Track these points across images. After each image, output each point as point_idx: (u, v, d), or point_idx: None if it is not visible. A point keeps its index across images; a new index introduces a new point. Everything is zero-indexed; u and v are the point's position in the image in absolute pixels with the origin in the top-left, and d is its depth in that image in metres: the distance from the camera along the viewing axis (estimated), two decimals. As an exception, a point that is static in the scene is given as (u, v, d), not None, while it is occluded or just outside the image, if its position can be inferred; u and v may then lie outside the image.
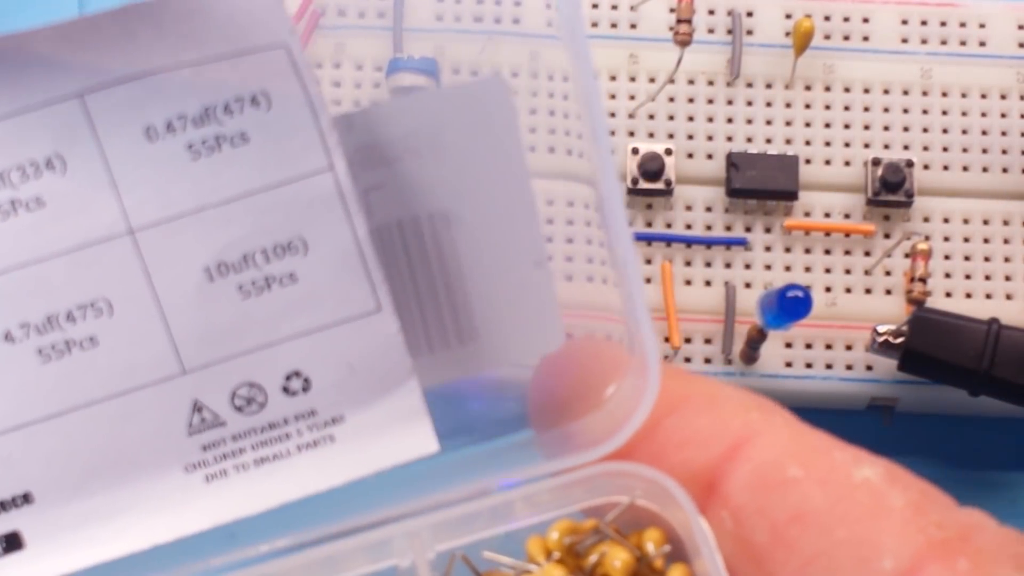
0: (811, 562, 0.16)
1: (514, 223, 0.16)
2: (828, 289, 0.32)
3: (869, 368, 0.32)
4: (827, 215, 0.33)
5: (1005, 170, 0.33)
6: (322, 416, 0.15)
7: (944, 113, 0.33)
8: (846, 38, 0.34)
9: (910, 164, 0.33)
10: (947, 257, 0.33)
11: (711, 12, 0.34)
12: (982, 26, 0.34)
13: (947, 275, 0.32)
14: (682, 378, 0.17)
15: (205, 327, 0.14)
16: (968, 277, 0.32)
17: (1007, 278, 0.32)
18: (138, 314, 0.14)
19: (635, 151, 0.32)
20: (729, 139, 0.33)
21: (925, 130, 0.33)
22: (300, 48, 0.14)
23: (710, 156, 0.33)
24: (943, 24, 0.34)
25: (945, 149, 0.33)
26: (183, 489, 0.15)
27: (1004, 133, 0.33)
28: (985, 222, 0.33)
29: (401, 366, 0.15)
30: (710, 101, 0.33)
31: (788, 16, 0.34)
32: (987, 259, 0.33)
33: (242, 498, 0.16)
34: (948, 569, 0.15)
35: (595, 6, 0.34)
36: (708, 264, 0.32)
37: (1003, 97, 0.33)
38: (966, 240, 0.33)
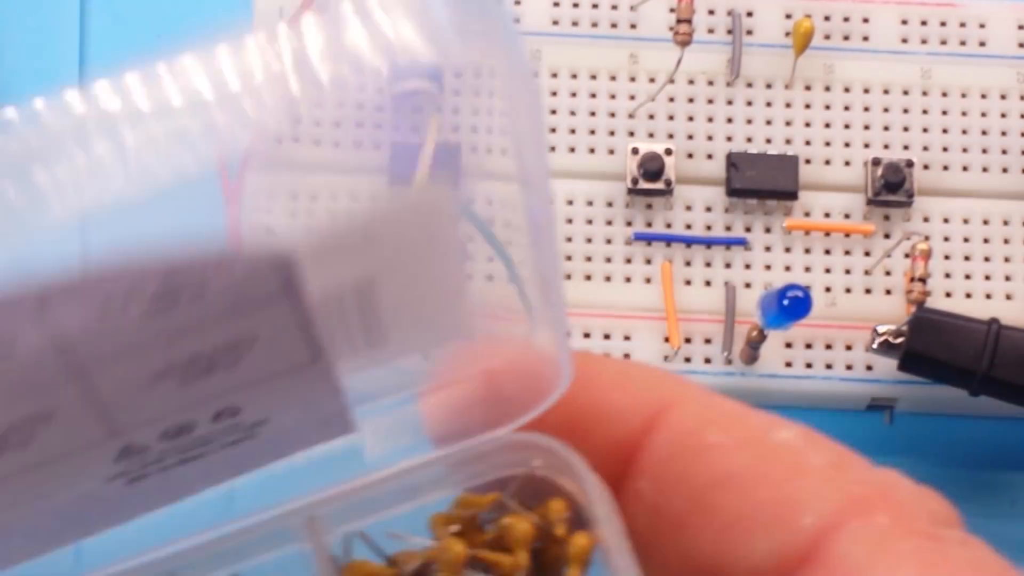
0: (732, 524, 0.16)
1: (441, 288, 0.16)
2: (828, 289, 0.32)
3: (869, 368, 0.32)
4: (827, 215, 0.33)
5: (1005, 170, 0.33)
6: (247, 422, 0.15)
7: (944, 113, 0.33)
8: (846, 38, 0.34)
9: (910, 164, 0.33)
10: (947, 257, 0.33)
11: (711, 12, 0.34)
12: (982, 26, 0.34)
13: (947, 275, 0.32)
14: (589, 358, 0.17)
15: (144, 408, 0.14)
16: (968, 277, 0.32)
17: (1007, 278, 0.32)
18: (77, 417, 0.14)
19: (635, 151, 0.32)
20: (729, 139, 0.33)
21: (925, 130, 0.33)
22: (300, 296, 0.14)
23: (710, 156, 0.33)
24: (943, 24, 0.34)
25: (945, 149, 0.33)
26: (104, 492, 0.15)
27: (1004, 133, 0.33)
28: (985, 222, 0.33)
29: (333, 394, 0.16)
30: (710, 101, 0.33)
31: (788, 16, 0.34)
32: (987, 259, 0.33)
33: (163, 493, 0.16)
34: (868, 524, 0.16)
35: (595, 6, 0.34)
36: (708, 264, 0.32)
37: (1003, 97, 0.33)
38: (966, 240, 0.33)
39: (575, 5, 0.34)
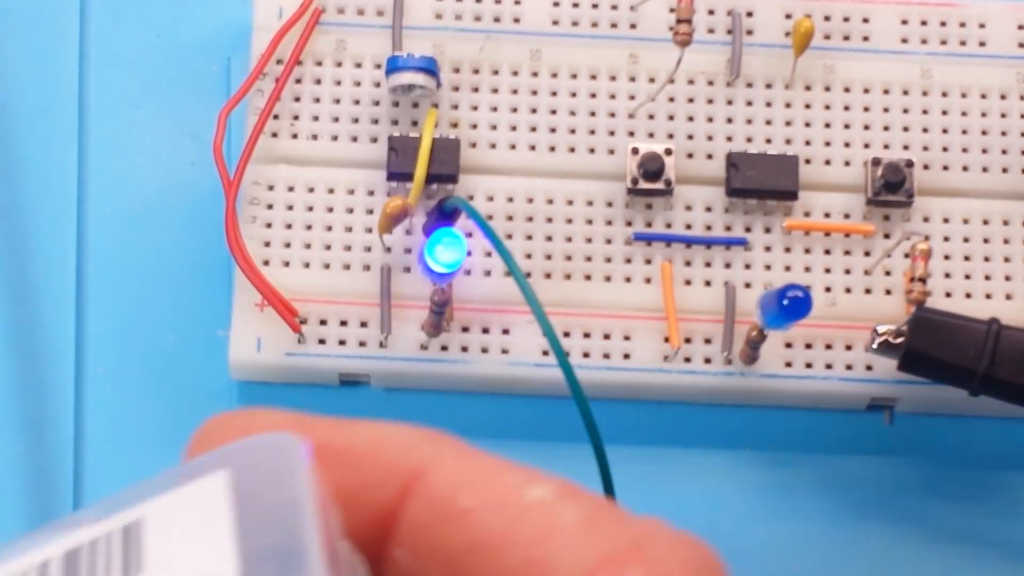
0: None
1: None
2: (828, 289, 0.32)
3: (869, 368, 0.32)
4: (827, 215, 0.33)
5: (1005, 170, 0.33)
6: None
7: (944, 113, 0.33)
8: (846, 38, 0.34)
9: (910, 164, 0.33)
10: (947, 257, 0.32)
11: (711, 12, 0.34)
12: (982, 26, 0.34)
13: (947, 275, 0.32)
14: (338, 427, 0.17)
15: None
16: (968, 277, 0.32)
17: (1007, 278, 0.32)
18: None
19: (635, 151, 0.32)
20: (729, 139, 0.33)
21: (925, 130, 0.33)
22: None
23: (710, 156, 0.33)
24: (943, 24, 0.34)
25: (945, 149, 0.33)
26: None
27: (1004, 133, 0.33)
28: (985, 222, 0.33)
29: None
30: (710, 101, 0.33)
31: (788, 16, 0.34)
32: (987, 259, 0.33)
33: None
34: None
35: (595, 6, 0.34)
36: (708, 264, 0.32)
37: (1003, 97, 0.33)
38: (966, 240, 0.33)
39: (575, 5, 0.34)
